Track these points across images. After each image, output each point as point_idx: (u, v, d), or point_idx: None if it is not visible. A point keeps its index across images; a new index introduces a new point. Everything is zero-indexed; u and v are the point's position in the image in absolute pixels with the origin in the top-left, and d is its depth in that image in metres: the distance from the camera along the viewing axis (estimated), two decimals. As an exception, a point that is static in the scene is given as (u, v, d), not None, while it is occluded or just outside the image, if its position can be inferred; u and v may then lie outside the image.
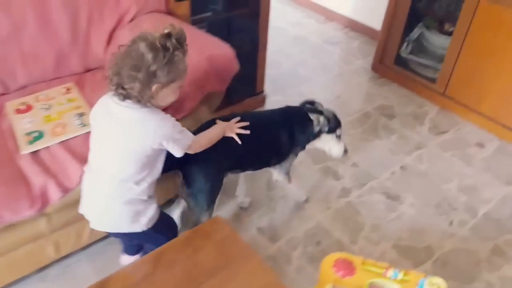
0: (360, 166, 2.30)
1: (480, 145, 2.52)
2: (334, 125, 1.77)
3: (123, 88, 1.14)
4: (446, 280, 1.74)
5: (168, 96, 1.23)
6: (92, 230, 1.42)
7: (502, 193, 2.21)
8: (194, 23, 2.06)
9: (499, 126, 2.56)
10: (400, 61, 2.96)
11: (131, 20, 1.89)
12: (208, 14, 2.18)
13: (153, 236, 1.38)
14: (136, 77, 1.12)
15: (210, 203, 1.55)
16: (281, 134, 1.68)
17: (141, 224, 1.32)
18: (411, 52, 2.95)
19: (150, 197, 1.33)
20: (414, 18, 2.85)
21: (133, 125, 1.20)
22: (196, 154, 1.37)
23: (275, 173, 1.86)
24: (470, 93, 2.63)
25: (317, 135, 1.76)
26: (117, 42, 1.47)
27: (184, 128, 1.29)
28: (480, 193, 2.19)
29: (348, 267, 1.27)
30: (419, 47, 2.94)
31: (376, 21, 3.26)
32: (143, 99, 1.16)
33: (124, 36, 1.67)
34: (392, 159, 2.37)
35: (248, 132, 1.51)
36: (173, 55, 1.14)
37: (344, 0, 3.67)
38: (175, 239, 1.32)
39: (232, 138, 1.49)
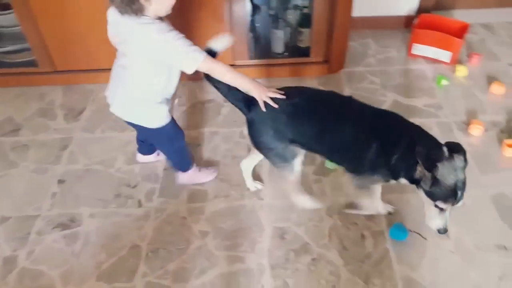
0: (8, 220, 1.79)
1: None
2: (439, 193, 1.34)
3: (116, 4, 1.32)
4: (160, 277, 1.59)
5: (161, 2, 1.35)
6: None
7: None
8: None
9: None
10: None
11: None
12: None
13: (163, 135, 1.64)
14: None
15: (278, 162, 1.62)
16: (371, 144, 1.42)
17: (154, 121, 1.57)
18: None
19: (164, 100, 1.55)
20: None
21: (136, 34, 1.37)
22: (257, 117, 1.52)
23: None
24: (74, 55, 2.34)
25: (413, 182, 1.41)
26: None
27: (193, 46, 1.38)
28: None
29: None
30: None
31: None
32: (137, 11, 1.32)
33: None
34: (41, 181, 1.94)
35: (275, 105, 1.46)
36: None
37: None
38: None
39: (298, 113, 1.50)
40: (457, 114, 2.21)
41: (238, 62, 2.43)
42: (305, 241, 1.69)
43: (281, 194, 1.83)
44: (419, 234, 1.68)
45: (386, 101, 2.31)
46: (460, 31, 2.55)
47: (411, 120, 1.48)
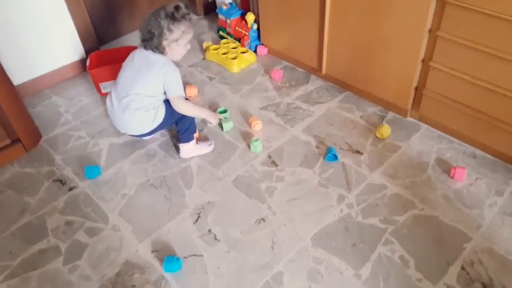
0: None
1: None
2: None
3: (151, 41, 1.93)
4: None
5: (178, 50, 1.99)
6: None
7: None
8: None
9: None
10: None
11: None
12: None
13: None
14: (153, 35, 1.91)
15: None
16: None
17: (156, 122, 2.06)
18: None
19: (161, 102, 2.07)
20: None
21: (157, 66, 1.95)
22: None
23: None
24: None
25: None
26: None
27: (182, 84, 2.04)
28: None
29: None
30: None
31: None
32: (161, 50, 1.95)
33: None
34: None
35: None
36: (176, 20, 1.91)
37: None
38: None
39: None
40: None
41: None
42: None
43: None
44: (194, 255, 1.71)
45: (102, 149, 2.24)
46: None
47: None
